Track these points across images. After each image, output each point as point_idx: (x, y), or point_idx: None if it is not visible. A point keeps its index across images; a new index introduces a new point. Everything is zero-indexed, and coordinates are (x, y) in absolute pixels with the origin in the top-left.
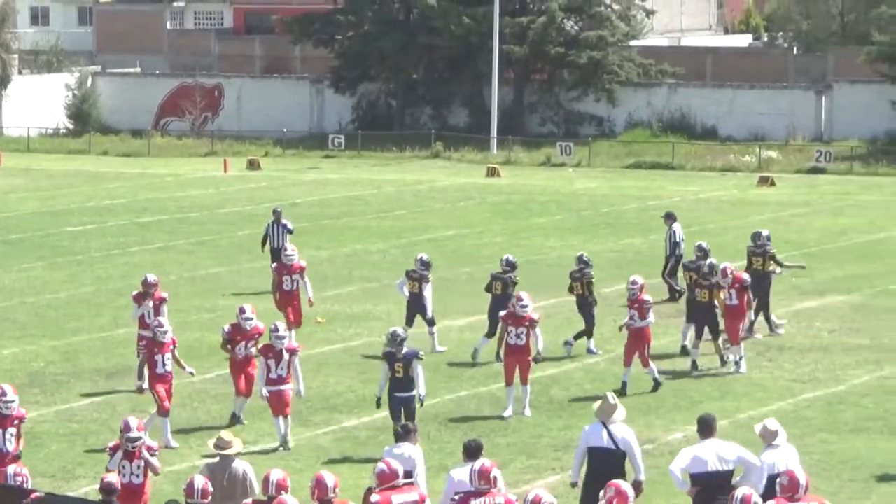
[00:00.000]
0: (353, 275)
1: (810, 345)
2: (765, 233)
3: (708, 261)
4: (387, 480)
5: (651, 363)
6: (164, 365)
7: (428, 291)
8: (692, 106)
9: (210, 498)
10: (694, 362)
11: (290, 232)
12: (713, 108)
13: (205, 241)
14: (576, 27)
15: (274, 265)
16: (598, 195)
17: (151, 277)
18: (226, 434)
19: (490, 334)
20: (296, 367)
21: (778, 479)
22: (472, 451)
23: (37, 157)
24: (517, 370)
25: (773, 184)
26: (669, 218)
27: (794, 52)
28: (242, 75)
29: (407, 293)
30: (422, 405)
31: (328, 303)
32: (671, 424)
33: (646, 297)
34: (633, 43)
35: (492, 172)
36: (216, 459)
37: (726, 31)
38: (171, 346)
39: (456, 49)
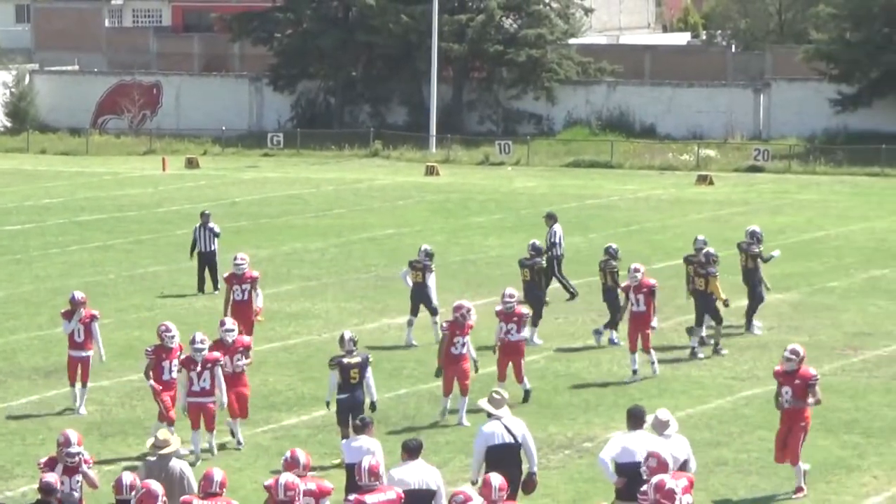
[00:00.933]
0: (292, 273)
1: (749, 342)
2: (751, 230)
3: (704, 250)
4: (290, 469)
5: (525, 378)
6: (170, 371)
7: (432, 281)
8: (631, 104)
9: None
10: (692, 349)
11: (217, 235)
12: (652, 107)
13: (143, 240)
14: (514, 25)
15: (225, 275)
16: (536, 194)
17: (78, 294)
18: (162, 433)
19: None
20: (219, 377)
21: (646, 462)
22: (411, 449)
23: None
24: (456, 380)
25: (711, 182)
26: (551, 218)
27: (733, 50)
28: (181, 73)
29: (410, 283)
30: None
31: (267, 301)
32: (610, 422)
33: (523, 310)
34: (571, 41)
35: (431, 171)
36: (154, 458)
37: (665, 30)
38: (178, 352)
39: (395, 47)
